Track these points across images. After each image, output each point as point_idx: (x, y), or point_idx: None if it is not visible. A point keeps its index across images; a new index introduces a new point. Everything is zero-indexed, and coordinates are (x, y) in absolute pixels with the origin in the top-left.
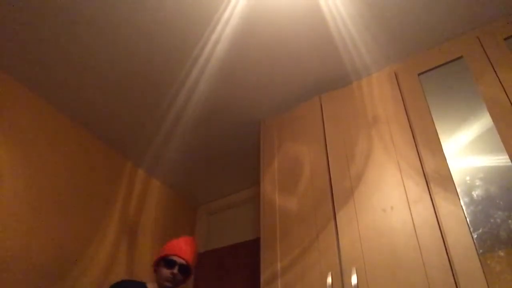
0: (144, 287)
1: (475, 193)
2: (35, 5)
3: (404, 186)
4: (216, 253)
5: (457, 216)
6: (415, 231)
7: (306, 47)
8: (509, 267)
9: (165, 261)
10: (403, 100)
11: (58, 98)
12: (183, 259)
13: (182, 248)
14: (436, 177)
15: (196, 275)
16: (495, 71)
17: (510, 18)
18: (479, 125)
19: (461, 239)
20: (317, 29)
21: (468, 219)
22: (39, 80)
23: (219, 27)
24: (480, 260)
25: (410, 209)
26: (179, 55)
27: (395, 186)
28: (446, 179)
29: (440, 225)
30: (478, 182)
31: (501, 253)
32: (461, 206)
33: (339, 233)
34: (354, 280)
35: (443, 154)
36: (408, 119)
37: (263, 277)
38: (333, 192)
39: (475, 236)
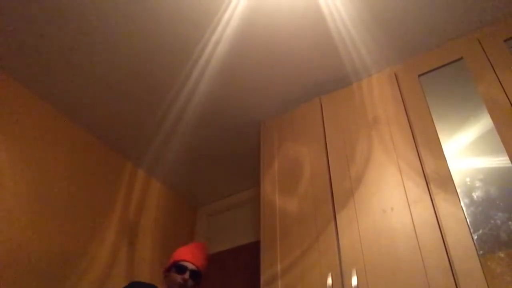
0: None
1: (475, 194)
2: (36, 6)
3: (404, 187)
4: (216, 255)
5: (457, 217)
6: (415, 232)
7: (306, 48)
8: (509, 268)
9: (176, 267)
10: (403, 101)
11: (58, 98)
12: (194, 264)
13: (193, 254)
14: (436, 178)
15: None
16: (495, 72)
17: (510, 20)
18: (479, 126)
19: (461, 240)
20: (317, 30)
21: (468, 220)
22: (40, 81)
23: (219, 28)
24: (480, 261)
25: (410, 210)
26: (179, 56)
27: (395, 187)
28: (446, 180)
29: (440, 226)
30: (478, 183)
31: (501, 254)
32: (461, 207)
33: (339, 234)
34: (354, 281)
35: (443, 155)
36: (408, 120)
37: (263, 278)
38: (333, 193)
39: (475, 237)
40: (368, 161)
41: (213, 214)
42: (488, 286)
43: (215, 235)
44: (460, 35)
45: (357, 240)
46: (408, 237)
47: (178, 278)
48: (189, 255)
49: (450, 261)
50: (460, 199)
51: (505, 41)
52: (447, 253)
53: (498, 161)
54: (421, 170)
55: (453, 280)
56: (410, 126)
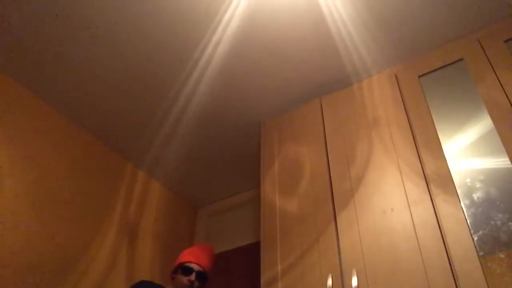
0: None
1: (475, 195)
2: (36, 7)
3: (404, 187)
4: (216, 256)
5: (458, 218)
6: (415, 232)
7: (306, 48)
8: (509, 269)
9: (182, 268)
10: (403, 102)
11: (59, 99)
12: (200, 266)
13: (199, 255)
14: (436, 178)
15: None
16: (495, 73)
17: (510, 20)
18: (480, 127)
19: (462, 241)
20: (318, 31)
21: (468, 221)
22: (40, 82)
23: (219, 29)
24: (480, 262)
25: (410, 210)
26: (179, 57)
27: (396, 187)
28: (446, 181)
29: (441, 226)
30: (478, 184)
31: (502, 255)
32: (462, 208)
33: (339, 234)
34: (354, 281)
35: (444, 156)
36: (408, 120)
37: (264, 278)
38: (334, 193)
39: (475, 238)
40: (368, 161)
41: (213, 214)
42: (488, 286)
43: (215, 236)
44: (460, 36)
45: (357, 240)
46: (408, 238)
47: (185, 279)
48: (194, 257)
49: (450, 262)
50: (460, 200)
51: (505, 41)
52: (447, 253)
53: (499, 162)
54: (421, 171)
55: (453, 281)
56: (410, 127)
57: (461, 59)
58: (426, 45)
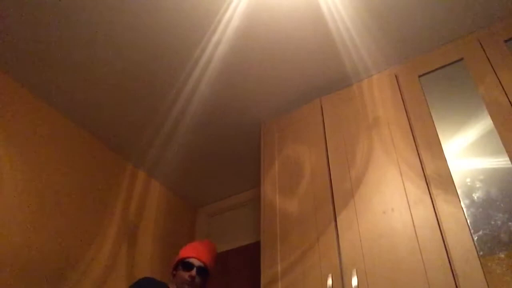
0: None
1: (475, 195)
2: (36, 7)
3: (404, 188)
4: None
5: (458, 218)
6: (416, 233)
7: (306, 49)
8: (509, 269)
9: (183, 264)
10: (403, 102)
11: (59, 99)
12: (201, 261)
13: (200, 251)
14: (436, 179)
15: None
16: (495, 73)
17: (510, 20)
18: (480, 127)
19: (462, 241)
20: (318, 31)
21: (468, 221)
22: (40, 82)
23: (220, 29)
24: (480, 262)
25: (410, 211)
26: (180, 57)
27: (396, 188)
28: (446, 181)
29: (441, 227)
30: (478, 184)
31: (502, 255)
32: (462, 208)
33: (339, 235)
34: (354, 282)
35: (444, 156)
36: (408, 121)
37: (264, 279)
38: (334, 194)
39: (475, 238)
40: (369, 162)
41: (213, 215)
42: (488, 286)
43: (216, 236)
44: (461, 36)
45: (357, 241)
46: (409, 238)
47: (185, 275)
48: (195, 252)
49: (450, 262)
50: (461, 200)
51: (505, 41)
52: (447, 254)
53: (499, 162)
54: (422, 171)
55: (453, 281)
56: (411, 127)
57: (461, 59)
58: (426, 45)
